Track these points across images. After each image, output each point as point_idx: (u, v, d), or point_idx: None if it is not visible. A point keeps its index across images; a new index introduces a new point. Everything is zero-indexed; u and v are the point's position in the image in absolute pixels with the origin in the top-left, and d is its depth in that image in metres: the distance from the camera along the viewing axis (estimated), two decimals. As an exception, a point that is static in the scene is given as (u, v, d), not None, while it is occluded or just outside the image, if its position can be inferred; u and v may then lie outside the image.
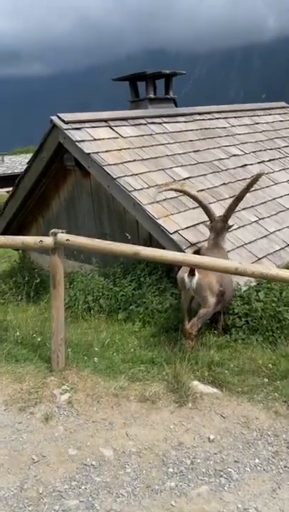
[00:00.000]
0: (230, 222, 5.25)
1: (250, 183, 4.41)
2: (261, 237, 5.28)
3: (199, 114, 7.44)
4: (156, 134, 6.40)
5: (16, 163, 28.57)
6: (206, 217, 5.13)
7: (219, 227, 4.45)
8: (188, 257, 2.74)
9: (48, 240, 2.89)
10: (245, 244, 5.05)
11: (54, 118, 5.42)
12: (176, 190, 4.82)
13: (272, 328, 4.01)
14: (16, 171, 24.95)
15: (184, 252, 4.60)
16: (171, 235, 4.70)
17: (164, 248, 4.85)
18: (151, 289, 4.80)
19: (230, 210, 4.52)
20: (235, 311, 4.19)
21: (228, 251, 4.83)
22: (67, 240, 2.85)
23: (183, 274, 3.58)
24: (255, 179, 4.38)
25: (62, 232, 2.91)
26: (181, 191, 4.78)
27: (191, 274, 3.46)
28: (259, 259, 4.95)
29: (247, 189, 4.46)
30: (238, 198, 4.50)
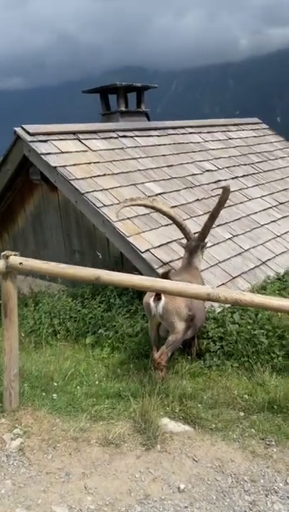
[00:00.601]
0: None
1: (220, 199, 4.20)
2: (235, 255, 5.09)
3: (172, 128, 7.29)
4: (128, 147, 6.18)
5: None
6: (179, 235, 4.92)
7: (194, 245, 4.22)
8: (157, 282, 2.48)
9: (-2, 264, 2.57)
10: (220, 262, 4.84)
11: (18, 129, 5.13)
12: (146, 206, 4.57)
13: (247, 353, 3.78)
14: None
15: (155, 271, 4.35)
16: (142, 254, 4.44)
17: (135, 267, 4.61)
18: (121, 311, 4.51)
19: (207, 228, 4.28)
20: (210, 335, 3.94)
21: (202, 270, 4.61)
22: (20, 263, 2.54)
23: (148, 298, 3.32)
24: (225, 194, 4.15)
25: (15, 255, 2.60)
26: (152, 208, 4.52)
27: (158, 298, 3.21)
28: (233, 278, 4.74)
29: (220, 205, 4.25)
30: (213, 216, 4.26)
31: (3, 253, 2.61)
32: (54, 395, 3.02)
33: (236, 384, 3.37)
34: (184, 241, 4.36)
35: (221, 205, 4.22)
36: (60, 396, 3.03)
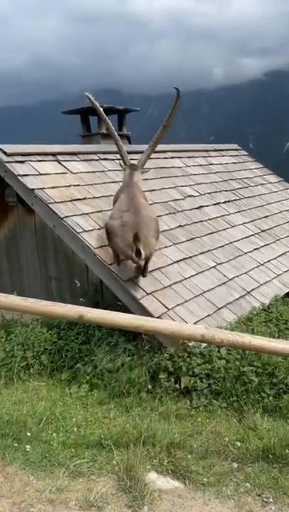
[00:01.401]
0: (187, 268, 4.90)
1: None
2: (220, 285, 4.92)
3: (154, 152, 7.18)
4: (109, 170, 6.01)
5: None
6: (163, 262, 4.75)
7: (136, 166, 4.81)
8: (149, 322, 2.25)
9: None
10: (204, 292, 4.66)
11: (-6, 149, 4.86)
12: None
13: (236, 393, 3.55)
14: None
15: (138, 301, 4.12)
16: (124, 283, 4.20)
17: (116, 296, 4.36)
18: (101, 344, 4.22)
19: (146, 157, 4.99)
20: (196, 372, 3.70)
21: (187, 300, 4.42)
22: (-7, 300, 2.26)
23: (130, 252, 3.91)
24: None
25: (-13, 290, 2.32)
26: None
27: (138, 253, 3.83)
28: (219, 308, 4.56)
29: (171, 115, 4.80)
30: (155, 143, 4.93)
31: (-26, 288, 2.32)
32: (27, 446, 2.68)
33: (226, 428, 3.13)
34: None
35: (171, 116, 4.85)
36: (35, 447, 2.69)
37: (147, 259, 4.17)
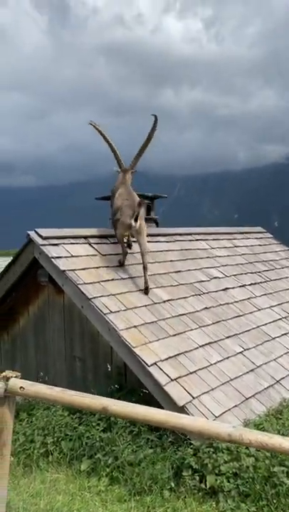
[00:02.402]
0: (213, 353, 4.83)
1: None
2: (247, 372, 4.77)
3: (180, 234, 7.46)
4: (137, 252, 6.22)
5: (-5, 265, 28.55)
6: (188, 347, 4.70)
7: (127, 169, 5.87)
8: (174, 417, 2.20)
9: (-4, 388, 2.30)
10: (231, 380, 4.52)
11: (31, 233, 5.19)
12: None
13: (266, 496, 3.29)
14: (-6, 272, 24.80)
15: (162, 388, 4.03)
16: (148, 368, 4.15)
17: (139, 381, 4.29)
18: (123, 433, 4.06)
19: (137, 159, 5.89)
20: (222, 470, 3.48)
21: (213, 388, 4.29)
22: (21, 387, 2.29)
23: (128, 220, 5.18)
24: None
25: (16, 377, 2.35)
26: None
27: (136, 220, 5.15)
28: (247, 398, 4.38)
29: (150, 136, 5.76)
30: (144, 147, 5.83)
31: (3, 374, 2.37)
32: None
33: (257, 539, 2.85)
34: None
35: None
36: None
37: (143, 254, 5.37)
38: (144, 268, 5.31)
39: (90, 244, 5.70)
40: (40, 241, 5.08)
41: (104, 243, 5.94)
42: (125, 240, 5.58)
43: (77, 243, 5.53)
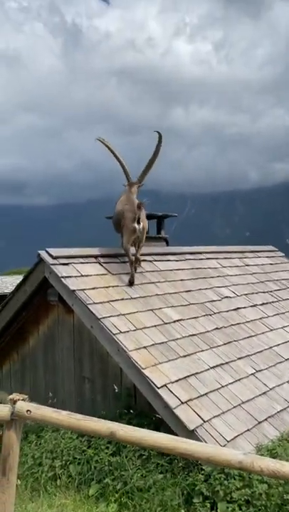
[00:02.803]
0: (225, 374, 4.75)
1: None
2: (260, 394, 4.66)
3: (190, 253, 7.43)
4: (147, 271, 6.21)
5: (7, 283, 28.68)
6: (198, 368, 4.63)
7: (134, 183, 5.90)
8: (182, 443, 2.13)
9: (1, 411, 2.27)
10: (243, 403, 4.41)
11: (42, 253, 5.23)
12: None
13: (281, 525, 3.16)
14: (5, 291, 24.91)
15: (172, 410, 3.95)
16: (158, 390, 4.08)
17: (149, 403, 4.22)
18: (132, 457, 3.97)
19: (145, 173, 5.99)
20: (234, 497, 3.36)
21: (224, 411, 4.19)
22: (28, 411, 2.26)
23: (132, 224, 5.35)
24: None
25: (23, 399, 2.33)
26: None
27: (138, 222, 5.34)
28: (259, 422, 4.26)
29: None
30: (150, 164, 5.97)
31: (10, 396, 2.35)
32: None
33: None
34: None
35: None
36: None
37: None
38: (137, 261, 5.63)
39: (100, 263, 5.71)
40: (50, 260, 5.11)
41: (114, 262, 5.94)
42: (132, 250, 5.63)
43: (87, 262, 5.54)
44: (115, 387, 4.73)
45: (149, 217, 7.36)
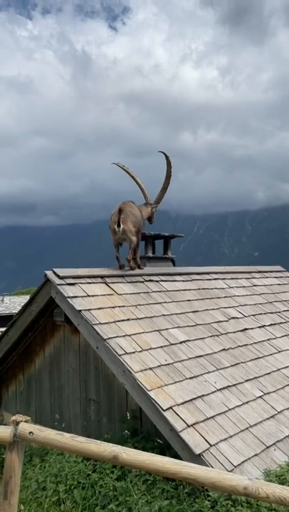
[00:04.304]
0: (232, 397, 4.67)
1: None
2: (268, 418, 4.56)
3: (197, 273, 7.43)
4: (153, 292, 6.21)
5: (16, 303, 28.84)
6: (205, 390, 4.56)
7: (150, 204, 6.83)
8: (186, 468, 2.09)
9: (4, 432, 2.26)
10: (251, 426, 4.32)
11: (49, 273, 5.27)
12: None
13: None
14: (14, 311, 25.03)
15: (178, 434, 3.87)
16: (164, 412, 4.02)
17: (154, 426, 4.15)
18: (137, 482, 3.89)
19: (161, 196, 6.88)
20: (243, 526, 3.26)
21: (231, 435, 4.10)
22: (30, 433, 2.24)
23: (113, 225, 5.89)
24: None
25: (25, 421, 2.31)
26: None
27: (118, 225, 5.82)
28: (267, 447, 4.15)
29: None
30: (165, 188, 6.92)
31: (13, 418, 2.33)
32: None
33: None
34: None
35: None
36: None
37: (134, 250, 6.27)
38: (129, 262, 6.17)
39: (106, 283, 5.73)
40: (57, 281, 5.14)
41: (120, 282, 5.96)
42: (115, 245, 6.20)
43: (93, 282, 5.57)
44: (124, 410, 4.66)
45: (156, 237, 7.44)
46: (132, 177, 6.67)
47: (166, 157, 6.72)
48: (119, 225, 5.83)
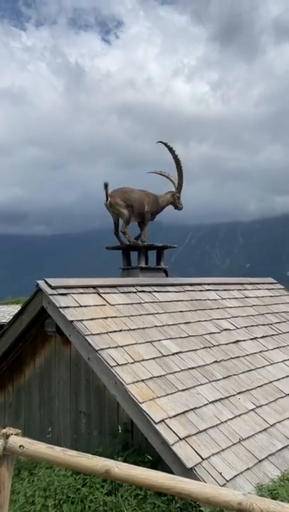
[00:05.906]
0: (224, 409, 4.64)
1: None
2: (260, 431, 4.53)
3: (190, 284, 7.42)
4: (146, 302, 6.18)
5: (5, 312, 28.54)
6: (198, 403, 4.53)
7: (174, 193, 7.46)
8: (180, 483, 2.06)
9: (-6, 446, 2.21)
10: (243, 440, 4.28)
11: (41, 282, 5.22)
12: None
13: None
14: (3, 320, 24.76)
15: (170, 447, 3.83)
16: (155, 425, 3.98)
17: (146, 439, 4.10)
18: (128, 496, 3.82)
19: (180, 186, 7.46)
20: None
21: (223, 449, 4.06)
22: (21, 446, 2.19)
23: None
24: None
25: (16, 434, 2.26)
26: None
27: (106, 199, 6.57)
28: (260, 461, 4.12)
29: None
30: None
31: (3, 430, 2.28)
32: None
33: None
34: None
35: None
36: None
37: (127, 222, 6.83)
38: (126, 223, 6.78)
39: (98, 294, 5.69)
40: (49, 290, 5.10)
41: (113, 292, 5.93)
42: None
43: (86, 293, 5.53)
44: (115, 424, 4.60)
45: (148, 248, 7.45)
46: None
47: (167, 146, 7.08)
48: (107, 199, 6.50)
